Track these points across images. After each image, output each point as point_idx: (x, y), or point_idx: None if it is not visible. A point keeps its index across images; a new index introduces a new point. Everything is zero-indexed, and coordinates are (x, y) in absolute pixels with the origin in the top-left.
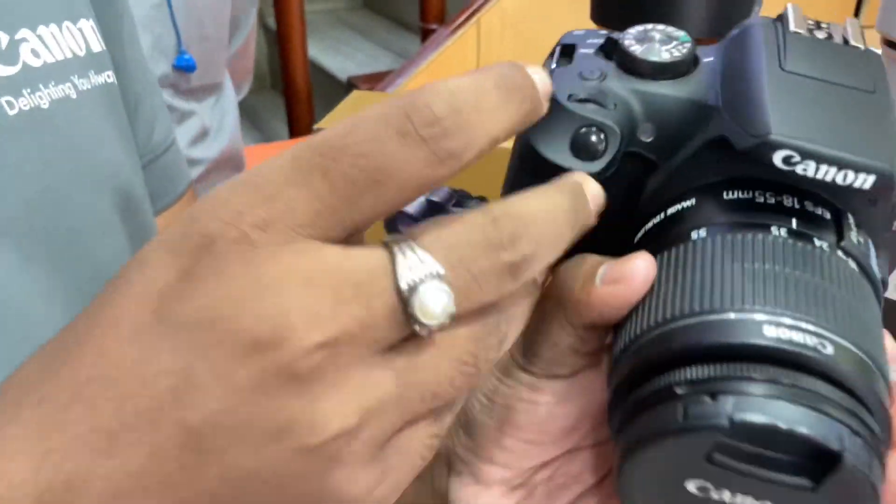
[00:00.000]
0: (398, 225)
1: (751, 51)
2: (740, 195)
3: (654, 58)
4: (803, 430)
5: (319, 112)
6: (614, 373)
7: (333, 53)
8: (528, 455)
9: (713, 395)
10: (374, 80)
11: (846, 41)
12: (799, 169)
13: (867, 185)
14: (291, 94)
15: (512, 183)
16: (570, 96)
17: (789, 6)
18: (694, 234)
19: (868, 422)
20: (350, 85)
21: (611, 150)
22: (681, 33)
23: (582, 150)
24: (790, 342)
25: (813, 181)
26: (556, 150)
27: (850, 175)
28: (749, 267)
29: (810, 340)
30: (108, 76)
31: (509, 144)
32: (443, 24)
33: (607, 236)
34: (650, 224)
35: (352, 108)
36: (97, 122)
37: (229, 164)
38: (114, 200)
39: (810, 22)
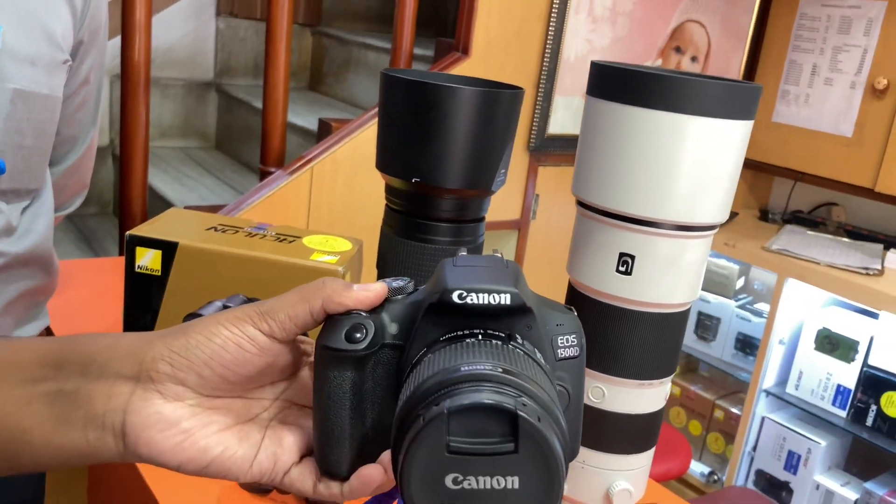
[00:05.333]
0: None
1: (440, 266)
2: (449, 335)
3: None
4: (489, 400)
5: None
6: (395, 421)
7: (177, 185)
8: (215, 387)
9: (437, 403)
10: (211, 211)
11: (493, 254)
12: (469, 300)
13: (508, 301)
14: (126, 216)
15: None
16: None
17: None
18: (426, 358)
19: (532, 398)
20: None
21: (369, 337)
22: (406, 278)
23: (350, 338)
24: (483, 370)
25: (480, 306)
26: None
27: (497, 296)
28: (459, 352)
29: (494, 370)
30: None
31: (290, 260)
32: (281, 168)
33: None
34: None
35: (166, 220)
36: None
37: (36, 263)
38: None
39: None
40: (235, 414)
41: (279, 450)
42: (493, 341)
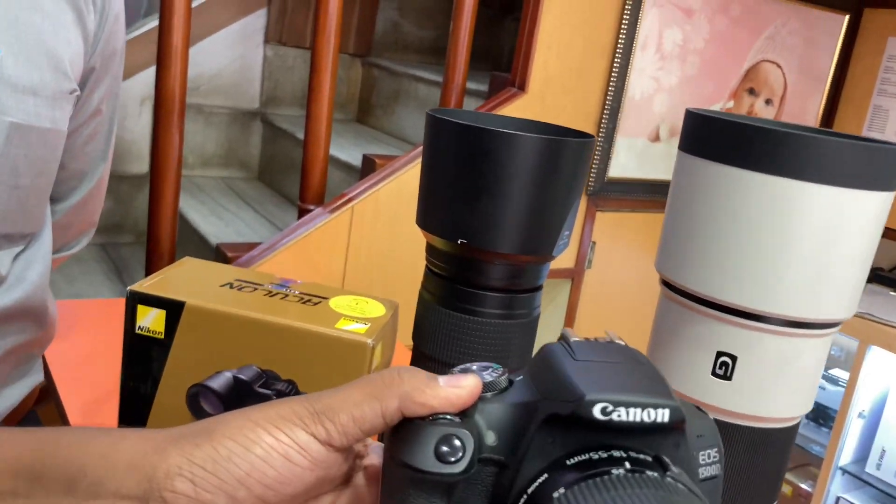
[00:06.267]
0: (201, 400)
1: (550, 356)
2: (580, 458)
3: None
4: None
5: None
6: None
7: (214, 218)
8: None
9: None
10: (243, 250)
11: (611, 341)
12: (615, 416)
13: (666, 419)
14: (153, 252)
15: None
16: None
17: (564, 330)
18: (555, 494)
19: None
20: (218, 251)
21: (468, 455)
22: (492, 364)
23: (442, 457)
24: None
25: (629, 424)
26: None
27: (652, 412)
28: (607, 491)
29: None
30: None
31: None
32: (320, 206)
33: None
34: None
35: (176, 272)
36: None
37: (27, 316)
38: None
39: (585, 337)
40: None
41: None
42: (648, 472)
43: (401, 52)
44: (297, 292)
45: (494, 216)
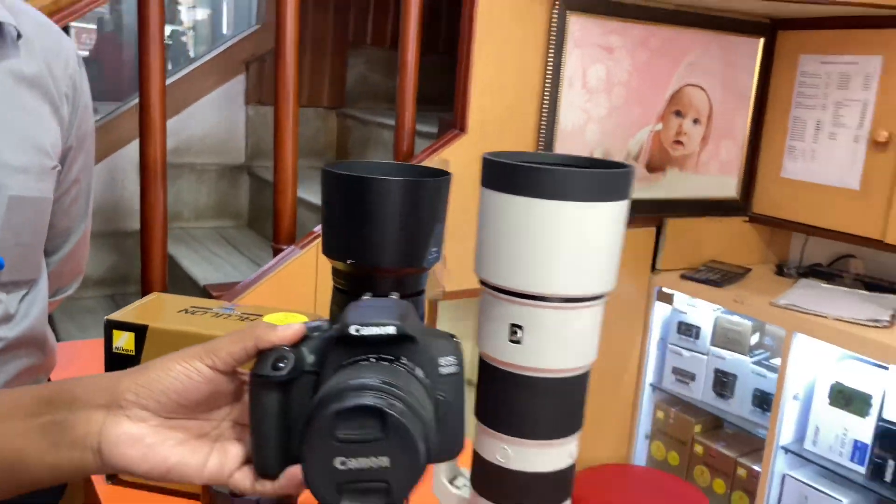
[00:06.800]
0: None
1: (346, 308)
2: (349, 360)
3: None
4: (365, 402)
5: None
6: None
7: (206, 264)
8: (171, 410)
9: (329, 406)
10: (226, 289)
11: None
12: (363, 332)
13: (394, 332)
14: (146, 293)
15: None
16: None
17: (366, 295)
18: (331, 377)
19: (401, 400)
20: (205, 290)
21: (289, 365)
22: (325, 320)
23: (275, 367)
24: (365, 382)
25: (373, 336)
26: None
27: (384, 329)
28: (353, 371)
29: (374, 381)
30: None
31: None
32: (293, 244)
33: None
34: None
35: (144, 305)
36: None
37: (33, 343)
38: None
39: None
40: (190, 431)
41: (224, 459)
42: (382, 363)
43: (371, 101)
44: (239, 313)
45: (374, 240)
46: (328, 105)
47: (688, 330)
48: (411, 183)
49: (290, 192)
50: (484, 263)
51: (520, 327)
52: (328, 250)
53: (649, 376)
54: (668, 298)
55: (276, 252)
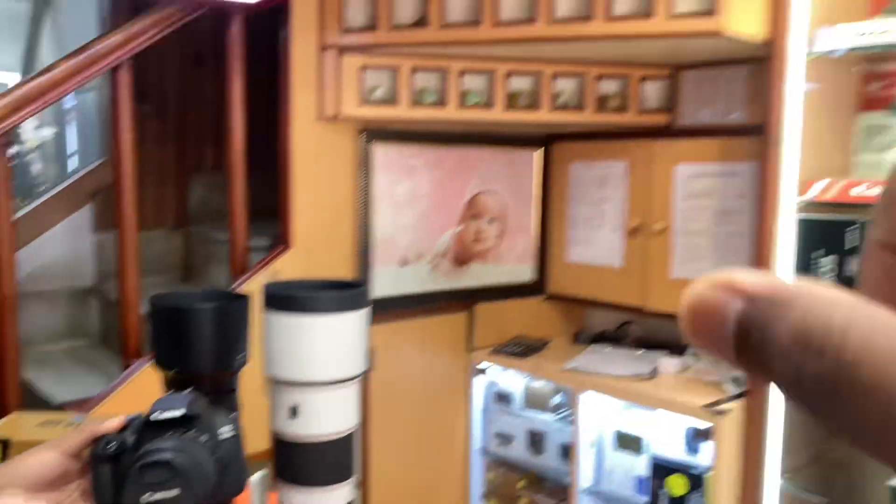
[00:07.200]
0: None
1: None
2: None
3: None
4: (160, 458)
5: None
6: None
7: (61, 386)
8: (32, 487)
9: (138, 462)
10: (80, 405)
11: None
12: (161, 416)
13: (180, 413)
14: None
15: None
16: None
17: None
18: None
19: (184, 453)
20: (61, 408)
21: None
22: (141, 412)
23: (103, 448)
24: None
25: (167, 418)
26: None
27: (173, 412)
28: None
29: (167, 445)
30: None
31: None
32: (140, 358)
33: None
34: None
35: (10, 422)
36: None
37: None
38: None
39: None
40: (51, 500)
41: None
42: (175, 434)
43: (213, 220)
44: (86, 422)
45: (190, 352)
46: (173, 226)
47: (503, 398)
48: (218, 308)
49: (135, 311)
50: (269, 363)
51: (297, 408)
52: (158, 363)
53: (477, 442)
54: (483, 372)
55: (126, 367)
